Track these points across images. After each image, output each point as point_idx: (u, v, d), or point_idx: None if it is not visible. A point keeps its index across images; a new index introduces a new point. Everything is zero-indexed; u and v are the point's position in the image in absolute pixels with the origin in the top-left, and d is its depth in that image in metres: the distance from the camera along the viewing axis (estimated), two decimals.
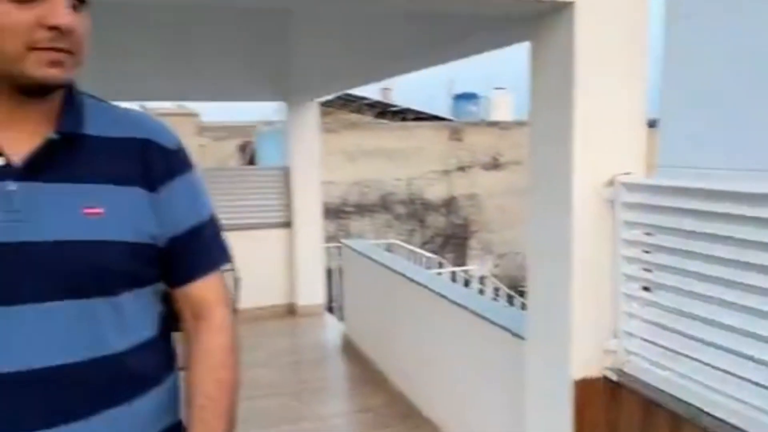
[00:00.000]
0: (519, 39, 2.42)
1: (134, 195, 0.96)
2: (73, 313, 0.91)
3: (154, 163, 0.99)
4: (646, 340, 1.80)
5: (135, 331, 0.99)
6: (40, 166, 0.90)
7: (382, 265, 4.00)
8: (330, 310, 5.76)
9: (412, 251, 7.13)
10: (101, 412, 0.94)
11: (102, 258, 0.92)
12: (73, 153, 0.93)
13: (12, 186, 0.89)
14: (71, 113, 0.95)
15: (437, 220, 12.54)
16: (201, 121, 14.49)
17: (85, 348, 0.92)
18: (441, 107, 18.23)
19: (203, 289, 1.05)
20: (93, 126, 0.96)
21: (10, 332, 0.89)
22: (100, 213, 0.92)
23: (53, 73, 0.88)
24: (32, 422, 0.90)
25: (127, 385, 0.98)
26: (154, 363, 1.03)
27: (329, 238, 6.81)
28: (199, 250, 1.04)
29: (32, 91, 0.90)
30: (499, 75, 18.66)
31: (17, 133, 0.91)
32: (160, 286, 1.05)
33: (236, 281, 1.73)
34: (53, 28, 0.86)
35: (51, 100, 0.93)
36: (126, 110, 1.04)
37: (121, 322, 0.96)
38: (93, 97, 1.01)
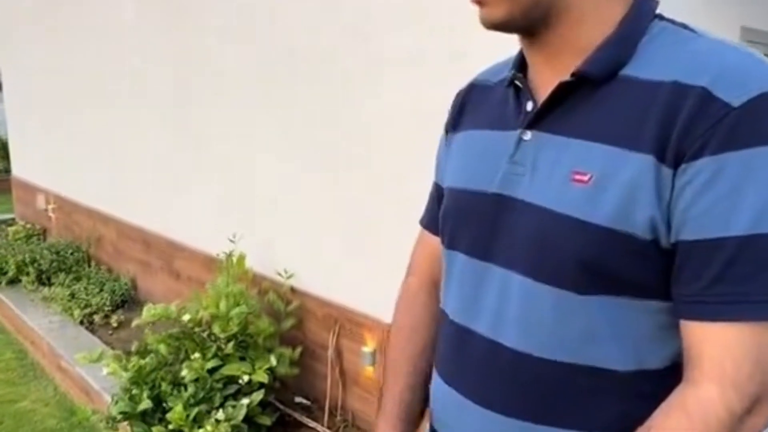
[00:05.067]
0: None
1: (636, 164, 0.68)
2: (530, 294, 0.76)
3: (691, 123, 0.66)
4: None
5: (601, 348, 0.74)
6: (552, 114, 0.77)
7: None
8: None
9: None
10: (538, 422, 0.77)
11: (569, 240, 0.72)
12: (592, 99, 0.74)
13: (527, 135, 0.79)
14: (607, 49, 0.74)
15: None
16: None
17: (533, 339, 0.76)
18: None
19: (699, 338, 0.68)
20: (639, 64, 0.72)
21: (480, 289, 0.82)
22: (584, 181, 0.72)
23: (480, 15, 0.78)
24: (483, 397, 0.82)
25: (559, 408, 0.76)
26: (611, 402, 0.75)
27: None
28: (714, 276, 0.66)
29: (519, 33, 0.80)
30: None
31: (546, 76, 0.79)
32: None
33: None
34: None
35: (555, 37, 0.77)
36: (710, 44, 0.71)
37: (583, 327, 0.73)
38: (683, 27, 0.75)
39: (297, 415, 2.76)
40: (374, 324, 2.55)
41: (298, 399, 2.88)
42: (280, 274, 2.90)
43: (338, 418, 2.73)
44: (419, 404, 1.00)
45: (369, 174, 2.54)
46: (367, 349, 2.58)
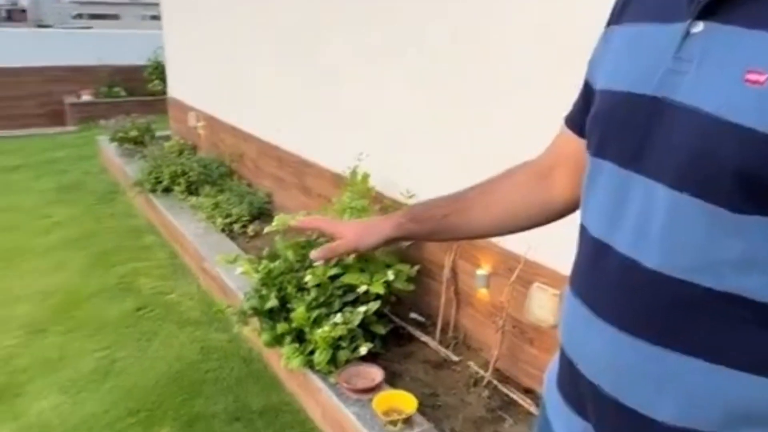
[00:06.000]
0: None
1: None
2: (677, 210, 0.68)
3: None
4: None
5: (754, 278, 0.66)
6: (731, 1, 0.67)
7: None
8: None
9: None
10: (672, 348, 0.70)
11: (732, 150, 0.63)
12: None
13: (698, 26, 0.69)
14: None
15: None
16: None
17: (676, 260, 0.69)
18: None
19: None
20: None
21: (623, 202, 0.75)
22: (760, 82, 0.62)
23: None
24: (615, 316, 0.76)
25: (696, 337, 0.70)
26: (759, 339, 0.67)
27: None
28: None
29: None
30: None
31: None
32: None
33: None
34: None
35: None
36: None
37: (737, 251, 0.66)
38: None
39: (410, 329, 2.87)
40: (490, 248, 2.55)
41: (412, 315, 2.98)
42: (401, 194, 2.96)
43: (450, 335, 2.80)
44: (438, 215, 1.06)
45: (492, 100, 2.48)
46: (482, 271, 2.59)
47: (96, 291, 3.76)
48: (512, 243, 2.43)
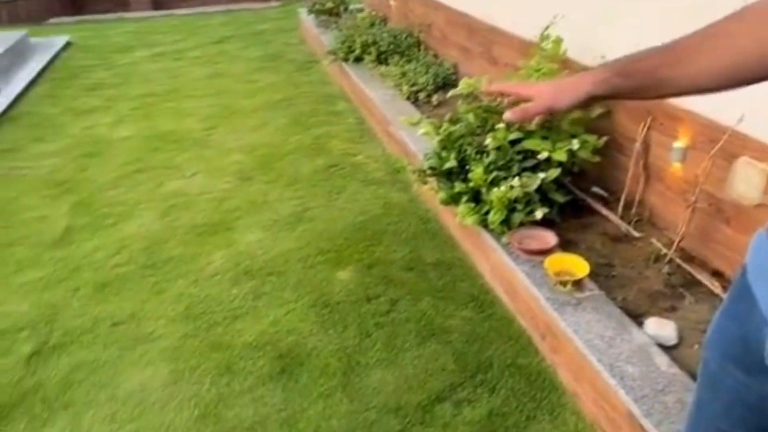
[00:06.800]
0: None
1: None
2: None
3: None
4: None
5: None
6: None
7: None
8: None
9: None
10: None
11: None
12: None
13: None
14: None
15: None
16: None
17: None
18: None
19: None
20: None
21: None
22: None
23: None
24: None
25: None
26: None
27: None
28: None
29: None
30: None
31: None
32: None
33: None
34: None
35: None
36: None
37: None
38: None
39: (591, 201, 2.78)
40: (692, 118, 2.32)
41: (594, 189, 2.87)
42: (595, 59, 2.75)
43: (633, 212, 2.66)
44: (649, 67, 0.94)
45: None
46: (679, 144, 2.39)
47: (293, 148, 4.12)
48: (720, 112, 2.18)
